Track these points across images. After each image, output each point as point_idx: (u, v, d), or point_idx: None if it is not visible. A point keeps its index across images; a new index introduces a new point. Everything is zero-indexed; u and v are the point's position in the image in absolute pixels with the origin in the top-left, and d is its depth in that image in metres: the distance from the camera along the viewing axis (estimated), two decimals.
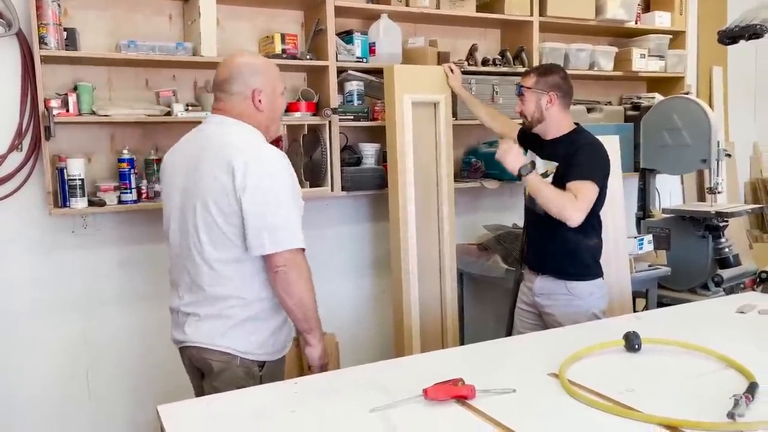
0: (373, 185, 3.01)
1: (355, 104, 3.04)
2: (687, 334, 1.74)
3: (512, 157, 2.29)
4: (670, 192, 4.31)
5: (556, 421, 1.30)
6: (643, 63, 3.71)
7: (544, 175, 2.44)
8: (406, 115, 2.72)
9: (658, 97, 3.84)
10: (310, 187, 2.89)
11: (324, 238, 3.24)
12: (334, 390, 1.47)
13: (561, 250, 2.40)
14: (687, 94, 3.38)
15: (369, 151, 3.08)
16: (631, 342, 1.65)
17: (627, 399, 1.37)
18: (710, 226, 3.08)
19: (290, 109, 2.88)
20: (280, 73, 1.93)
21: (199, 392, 1.86)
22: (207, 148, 1.76)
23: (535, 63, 3.40)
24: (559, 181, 2.35)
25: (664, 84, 4.03)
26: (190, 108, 2.67)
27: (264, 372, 1.77)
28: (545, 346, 1.79)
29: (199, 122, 2.82)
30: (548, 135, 2.44)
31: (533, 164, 2.32)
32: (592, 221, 2.38)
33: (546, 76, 2.40)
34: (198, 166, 1.74)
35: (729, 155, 3.19)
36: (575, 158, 2.31)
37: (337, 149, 2.94)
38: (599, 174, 2.30)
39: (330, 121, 2.90)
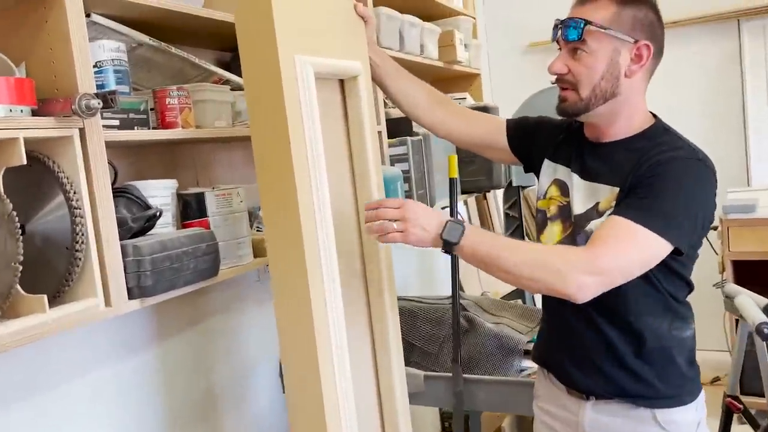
0: (200, 272, 1.32)
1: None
2: None
3: (420, 222, 1.19)
4: None
5: None
6: (462, 51, 2.83)
7: (596, 211, 1.28)
8: (305, 99, 1.17)
9: (469, 99, 3.03)
10: (50, 305, 1.07)
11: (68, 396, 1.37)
12: None
13: (639, 354, 1.28)
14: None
15: (162, 196, 1.37)
16: None
17: None
18: None
19: None
20: None
21: None
22: None
23: None
24: None
25: (455, 83, 3.25)
26: None
27: None
28: None
29: None
30: (607, 132, 1.29)
31: (458, 219, 1.24)
32: (681, 295, 1.31)
33: (634, 4, 1.23)
34: None
35: None
36: (648, 180, 1.20)
37: (108, 200, 1.18)
38: (689, 219, 1.19)
39: (82, 130, 1.13)
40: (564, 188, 1.35)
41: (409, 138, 2.17)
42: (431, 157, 2.27)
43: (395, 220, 1.19)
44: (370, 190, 1.38)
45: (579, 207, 1.30)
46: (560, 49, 1.28)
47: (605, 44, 1.21)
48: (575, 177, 1.33)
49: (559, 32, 1.25)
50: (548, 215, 1.38)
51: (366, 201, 1.39)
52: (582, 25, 1.21)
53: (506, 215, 2.63)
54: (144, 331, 1.58)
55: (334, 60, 1.28)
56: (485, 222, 3.33)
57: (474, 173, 2.59)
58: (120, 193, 1.27)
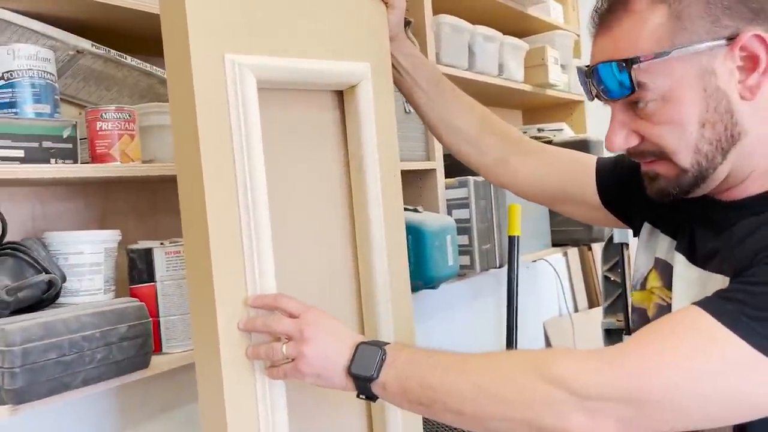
0: (116, 365, 0.94)
1: (28, 112, 0.98)
2: None
3: (325, 347, 0.74)
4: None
5: None
6: (557, 73, 2.32)
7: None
8: (238, 117, 0.78)
9: (567, 130, 2.50)
10: None
11: None
12: None
13: None
14: None
15: (92, 252, 1.01)
16: None
17: None
18: None
19: None
20: None
21: None
22: None
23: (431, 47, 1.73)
24: None
25: (550, 111, 2.72)
26: None
27: None
28: None
29: None
30: (735, 190, 0.74)
31: (374, 340, 0.76)
32: None
33: None
34: None
35: None
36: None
37: None
38: None
39: None
40: (667, 275, 0.82)
41: (471, 178, 1.69)
42: (501, 201, 1.78)
43: (286, 339, 0.76)
44: (369, 260, 0.93)
45: (680, 306, 0.76)
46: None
47: (682, 72, 0.68)
48: (679, 258, 0.79)
49: (592, 88, 0.74)
50: (650, 317, 0.85)
51: (367, 278, 0.94)
52: (624, 70, 0.68)
53: (605, 278, 2.05)
54: (98, 419, 1.21)
55: (310, 62, 0.86)
56: (590, 284, 2.73)
57: (565, 222, 2.05)
58: (5, 252, 0.92)
